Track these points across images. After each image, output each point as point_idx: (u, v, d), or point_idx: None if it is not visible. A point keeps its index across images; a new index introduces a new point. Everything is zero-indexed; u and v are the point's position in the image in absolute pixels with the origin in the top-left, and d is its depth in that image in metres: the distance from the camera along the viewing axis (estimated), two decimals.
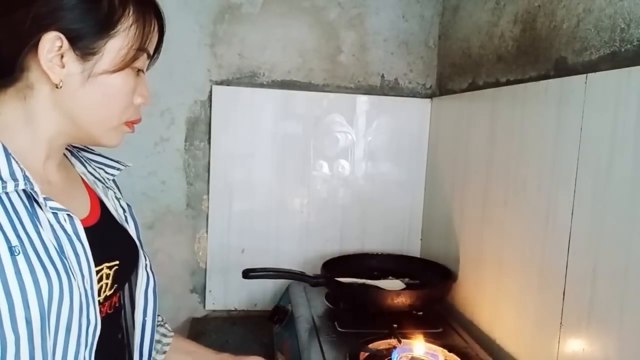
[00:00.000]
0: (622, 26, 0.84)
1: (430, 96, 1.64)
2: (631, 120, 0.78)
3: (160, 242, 1.55)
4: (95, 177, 0.82)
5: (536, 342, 1.02)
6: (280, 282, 1.54)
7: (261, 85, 1.56)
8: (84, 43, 0.65)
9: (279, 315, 1.37)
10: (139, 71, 0.72)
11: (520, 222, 1.09)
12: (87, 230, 0.70)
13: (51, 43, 0.63)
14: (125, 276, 0.80)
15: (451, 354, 1.08)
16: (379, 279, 1.41)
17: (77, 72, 0.66)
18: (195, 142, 1.55)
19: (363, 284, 1.32)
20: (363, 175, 1.63)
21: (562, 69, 0.99)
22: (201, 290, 1.59)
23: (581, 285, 0.88)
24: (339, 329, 1.21)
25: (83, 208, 0.75)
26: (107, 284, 0.73)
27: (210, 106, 1.54)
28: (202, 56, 1.53)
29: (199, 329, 1.51)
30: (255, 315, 1.58)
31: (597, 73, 0.87)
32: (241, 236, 1.58)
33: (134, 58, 0.69)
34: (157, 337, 0.91)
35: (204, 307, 1.59)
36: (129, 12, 0.67)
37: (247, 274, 1.24)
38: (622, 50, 0.84)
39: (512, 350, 1.11)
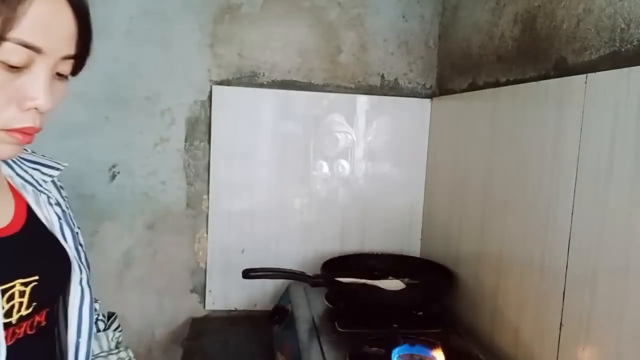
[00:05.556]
0: (622, 26, 0.84)
1: (430, 96, 1.64)
2: (631, 120, 0.78)
3: (160, 242, 1.54)
4: (26, 180, 0.72)
5: (536, 343, 1.02)
6: (280, 282, 1.54)
7: (261, 85, 1.56)
8: None
9: (278, 315, 1.37)
10: (18, 67, 0.54)
11: (520, 222, 1.09)
12: (2, 241, 0.63)
13: None
14: (50, 292, 0.70)
15: (451, 354, 1.08)
16: (379, 279, 1.41)
17: None
18: (195, 142, 1.55)
19: (363, 284, 1.32)
20: (363, 175, 1.63)
21: (562, 69, 0.99)
22: (201, 291, 1.59)
23: (581, 285, 0.88)
24: (339, 329, 1.21)
25: (4, 216, 0.67)
26: (21, 302, 0.64)
27: (210, 106, 1.53)
28: (202, 56, 1.53)
29: (199, 329, 1.51)
30: (255, 315, 1.58)
31: (597, 73, 0.87)
32: (241, 236, 1.58)
33: None
34: None
35: (204, 307, 1.59)
36: None
37: (247, 274, 1.24)
38: (622, 50, 0.84)
39: (512, 351, 1.11)
